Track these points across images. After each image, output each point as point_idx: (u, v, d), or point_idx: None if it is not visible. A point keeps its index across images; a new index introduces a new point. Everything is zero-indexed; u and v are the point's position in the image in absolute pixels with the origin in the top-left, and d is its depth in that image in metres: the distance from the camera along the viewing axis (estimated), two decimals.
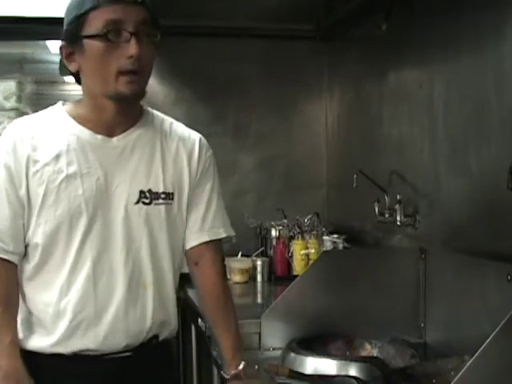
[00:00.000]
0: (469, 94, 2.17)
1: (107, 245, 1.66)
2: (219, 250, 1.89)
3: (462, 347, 1.86)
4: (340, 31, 3.39)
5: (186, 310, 2.94)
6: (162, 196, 1.73)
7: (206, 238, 1.83)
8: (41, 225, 1.64)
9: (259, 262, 3.12)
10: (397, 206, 2.53)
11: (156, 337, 1.76)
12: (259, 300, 3.00)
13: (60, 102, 1.76)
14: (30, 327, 1.69)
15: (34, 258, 1.67)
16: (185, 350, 3.19)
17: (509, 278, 1.78)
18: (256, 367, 1.98)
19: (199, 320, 2.42)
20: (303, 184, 3.61)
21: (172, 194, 1.75)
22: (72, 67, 1.67)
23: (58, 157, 1.65)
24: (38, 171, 1.64)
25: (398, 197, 2.53)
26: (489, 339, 1.42)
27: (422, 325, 2.24)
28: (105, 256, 1.66)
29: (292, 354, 1.91)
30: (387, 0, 2.57)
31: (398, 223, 2.53)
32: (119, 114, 1.68)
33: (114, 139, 1.70)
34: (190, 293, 2.85)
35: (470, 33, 2.14)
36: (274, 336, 2.15)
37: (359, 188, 2.82)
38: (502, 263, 1.85)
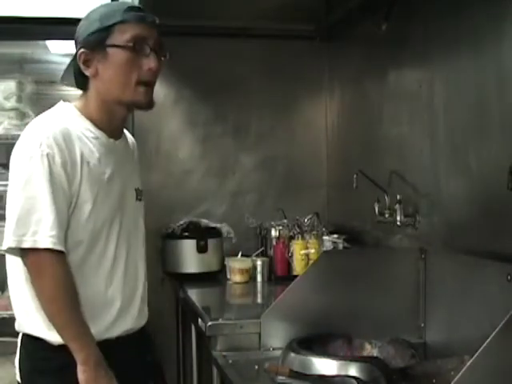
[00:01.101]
0: (469, 93, 2.17)
1: (131, 238, 1.89)
2: None
3: (462, 347, 1.86)
4: (340, 31, 3.39)
5: (186, 310, 2.95)
6: (141, 193, 1.98)
7: None
8: (87, 223, 1.78)
9: (259, 262, 3.12)
10: (397, 206, 2.53)
11: None
12: (259, 300, 3.00)
13: (66, 103, 1.88)
14: None
15: (77, 254, 1.77)
16: (185, 350, 3.19)
17: (509, 278, 1.78)
18: (256, 367, 1.99)
19: (199, 320, 2.42)
20: (303, 184, 3.61)
21: (142, 191, 2.00)
22: (89, 72, 1.83)
23: (99, 160, 1.81)
24: (90, 171, 1.78)
25: (398, 197, 2.53)
26: (489, 339, 1.42)
27: (422, 325, 2.24)
28: (132, 248, 1.89)
29: (292, 354, 1.91)
30: (387, 0, 2.57)
31: (398, 223, 2.53)
32: (124, 119, 1.91)
33: (117, 142, 1.91)
34: (190, 293, 2.85)
35: (470, 33, 2.14)
36: (274, 336, 2.15)
37: (359, 188, 2.82)
38: (502, 263, 1.85)
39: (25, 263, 1.73)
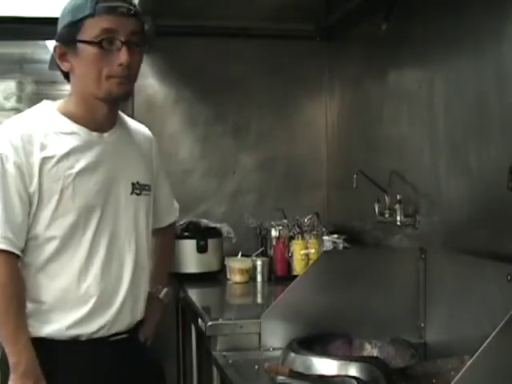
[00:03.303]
0: (469, 93, 2.17)
1: (115, 233, 1.84)
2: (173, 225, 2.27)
3: (462, 347, 1.86)
4: (340, 31, 3.39)
5: (186, 310, 2.95)
6: (146, 188, 1.94)
7: (171, 220, 2.21)
8: (58, 218, 1.75)
9: (259, 262, 3.12)
10: (397, 206, 2.53)
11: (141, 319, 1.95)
12: (259, 300, 3.00)
13: (45, 101, 1.88)
14: (40, 317, 1.78)
15: (49, 249, 1.77)
16: (185, 350, 3.19)
17: (509, 278, 1.78)
18: (256, 367, 1.99)
19: (199, 320, 2.42)
20: (303, 184, 3.61)
21: (150, 185, 1.97)
22: (64, 67, 1.81)
23: (68, 154, 1.77)
24: (52, 168, 1.75)
25: (398, 197, 2.53)
26: (489, 339, 1.42)
27: (422, 325, 2.24)
28: (114, 243, 1.84)
29: (292, 354, 1.91)
30: (387, 0, 2.57)
31: (398, 223, 2.53)
32: (108, 112, 1.85)
33: (106, 135, 1.86)
34: (190, 293, 2.85)
35: (469, 33, 2.13)
36: (274, 336, 2.15)
37: (359, 188, 2.82)
38: (502, 263, 1.85)
39: None
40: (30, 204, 1.74)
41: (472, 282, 1.97)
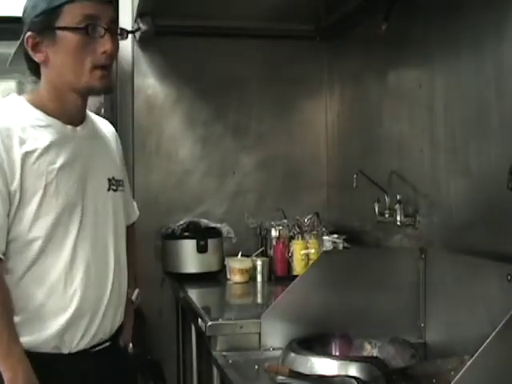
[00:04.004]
0: (469, 93, 2.17)
1: (97, 232, 1.74)
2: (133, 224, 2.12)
3: (462, 347, 1.86)
4: (340, 31, 3.38)
5: (186, 310, 2.95)
6: (120, 183, 1.86)
7: (134, 219, 2.09)
8: (41, 217, 1.64)
9: (259, 262, 3.12)
10: (397, 206, 2.53)
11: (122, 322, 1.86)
12: (259, 300, 3.00)
13: (13, 94, 1.78)
14: (23, 327, 1.65)
15: (32, 252, 1.65)
16: (185, 350, 3.19)
17: (509, 277, 1.78)
18: (256, 367, 1.99)
19: (199, 320, 2.42)
20: (303, 184, 3.61)
21: (123, 181, 1.89)
22: (38, 58, 1.71)
23: (48, 148, 1.67)
24: (34, 163, 1.64)
25: (398, 197, 2.53)
26: (489, 339, 1.42)
27: (422, 325, 2.24)
28: (97, 243, 1.74)
29: (292, 354, 1.91)
30: (387, 0, 2.57)
31: (398, 223, 2.53)
32: (81, 105, 1.76)
33: (79, 129, 1.77)
34: (190, 293, 2.85)
35: (469, 33, 2.13)
36: (274, 336, 2.15)
37: (359, 188, 2.82)
38: (502, 263, 1.85)
39: None
40: (10, 203, 1.61)
41: (472, 281, 1.97)
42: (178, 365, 3.31)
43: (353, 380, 1.73)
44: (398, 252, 2.46)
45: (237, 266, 3.08)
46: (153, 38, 3.28)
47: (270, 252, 3.22)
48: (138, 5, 3.12)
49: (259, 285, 3.08)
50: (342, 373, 1.77)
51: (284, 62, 3.56)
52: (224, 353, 2.15)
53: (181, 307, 3.20)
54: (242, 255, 3.20)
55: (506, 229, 1.95)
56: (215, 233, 3.24)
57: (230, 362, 2.07)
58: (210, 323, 2.26)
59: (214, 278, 3.15)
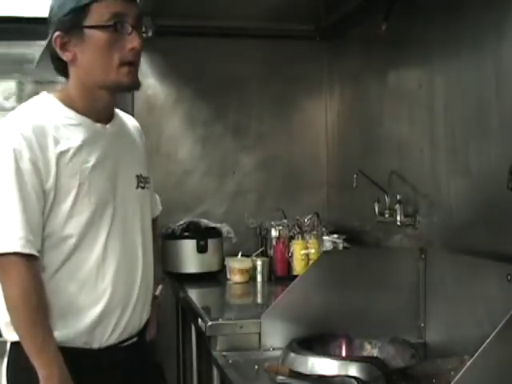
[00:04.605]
0: (469, 93, 2.17)
1: (127, 229, 1.77)
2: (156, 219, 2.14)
3: (462, 347, 1.86)
4: (340, 31, 3.38)
5: (186, 310, 2.95)
6: (147, 180, 1.89)
7: (157, 213, 2.12)
8: (74, 216, 1.67)
9: (259, 262, 3.12)
10: (397, 206, 2.53)
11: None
12: (259, 300, 3.00)
13: (45, 92, 1.78)
14: (54, 323, 1.66)
15: (65, 249, 1.67)
16: (185, 350, 3.19)
17: (509, 278, 1.78)
18: (256, 367, 1.99)
19: (199, 320, 2.42)
20: (303, 184, 3.61)
21: (149, 178, 1.92)
22: (66, 57, 1.72)
23: (80, 148, 1.69)
24: (68, 163, 1.66)
25: (398, 197, 2.53)
26: (489, 339, 1.42)
27: (422, 325, 2.24)
28: (127, 240, 1.76)
29: (292, 354, 1.91)
30: (387, 0, 2.57)
31: (398, 223, 2.53)
32: (109, 103, 1.78)
33: (108, 127, 1.79)
34: (190, 293, 2.85)
35: (470, 33, 2.13)
36: (274, 336, 2.15)
37: (359, 188, 2.82)
38: (502, 263, 1.85)
39: None
40: (45, 201, 1.64)
41: (472, 281, 1.97)
42: (178, 365, 3.31)
43: (353, 380, 1.73)
44: (398, 252, 2.46)
45: (237, 265, 3.08)
46: (153, 37, 3.28)
47: (270, 252, 3.22)
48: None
49: (259, 285, 3.08)
50: (342, 373, 1.77)
51: (284, 62, 3.56)
52: (224, 353, 2.15)
53: (181, 307, 3.20)
54: (242, 255, 3.20)
55: (506, 229, 1.95)
56: (215, 233, 3.24)
57: (230, 362, 2.07)
58: (209, 323, 2.26)
59: (214, 278, 3.15)
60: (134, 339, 1.82)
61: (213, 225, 3.27)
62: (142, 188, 1.85)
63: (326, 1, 3.36)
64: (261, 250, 3.28)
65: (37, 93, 3.46)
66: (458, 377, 1.40)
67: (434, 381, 1.73)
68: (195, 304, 2.62)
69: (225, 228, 3.27)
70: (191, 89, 3.52)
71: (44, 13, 2.99)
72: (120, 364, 1.77)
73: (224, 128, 3.56)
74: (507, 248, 1.91)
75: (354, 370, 1.77)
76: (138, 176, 1.84)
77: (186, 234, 3.18)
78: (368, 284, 2.21)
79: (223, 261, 3.19)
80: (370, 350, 2.05)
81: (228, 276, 3.12)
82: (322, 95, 3.64)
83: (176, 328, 3.31)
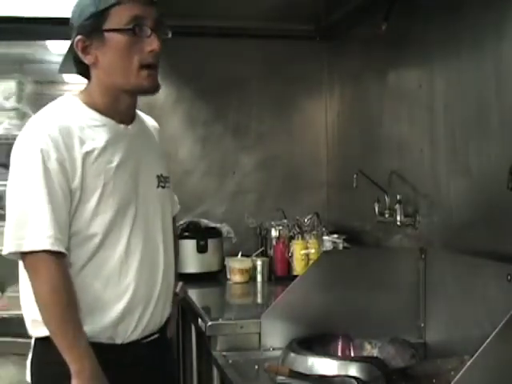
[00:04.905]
0: (469, 93, 2.17)
1: (148, 228, 1.80)
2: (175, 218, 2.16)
3: (462, 347, 1.86)
4: (340, 31, 3.39)
5: (186, 310, 2.94)
6: (167, 180, 1.91)
7: (176, 212, 2.14)
8: (99, 215, 1.71)
9: (259, 262, 3.12)
10: (397, 206, 2.53)
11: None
12: (259, 300, 3.00)
13: (68, 94, 1.82)
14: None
15: (90, 247, 1.71)
16: (185, 350, 3.19)
17: (509, 277, 1.78)
18: (256, 367, 1.99)
19: (199, 320, 2.42)
20: (303, 184, 3.61)
21: (169, 177, 1.93)
22: (88, 60, 1.76)
23: (104, 148, 1.73)
24: (93, 163, 1.70)
25: (398, 197, 2.53)
26: (489, 339, 1.42)
27: (422, 325, 2.24)
28: (148, 239, 1.80)
29: (292, 354, 1.91)
30: (387, 0, 2.57)
31: (398, 223, 2.53)
32: (131, 104, 1.83)
33: (130, 127, 1.83)
34: (190, 293, 2.85)
35: (470, 33, 2.13)
36: (274, 336, 2.15)
37: (359, 188, 2.82)
38: (502, 263, 1.85)
39: (24, 266, 1.68)
40: (71, 200, 1.68)
41: (472, 281, 1.97)
42: (178, 365, 3.31)
43: (353, 380, 1.73)
44: (398, 252, 2.46)
45: (237, 265, 3.08)
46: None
47: (270, 252, 3.22)
48: None
49: (259, 285, 3.08)
50: (342, 373, 1.77)
51: (284, 62, 3.56)
52: (224, 353, 2.15)
53: (181, 307, 3.20)
54: (242, 255, 3.20)
55: (506, 229, 1.95)
56: (215, 233, 3.24)
57: (230, 362, 2.07)
58: (209, 323, 2.26)
59: (214, 278, 3.15)
60: (156, 335, 1.85)
61: (213, 225, 3.27)
62: (163, 187, 1.88)
63: (326, 1, 3.36)
64: (261, 250, 3.28)
65: (37, 93, 3.46)
66: (458, 377, 1.40)
67: (434, 381, 1.73)
68: (195, 304, 2.63)
69: (225, 228, 3.27)
70: (191, 89, 3.52)
71: (44, 13, 3.00)
72: (142, 360, 1.81)
73: (224, 128, 3.56)
74: (507, 248, 1.91)
75: (354, 370, 1.77)
76: (158, 176, 1.88)
77: (186, 233, 3.18)
78: (368, 284, 2.21)
79: (223, 261, 3.19)
80: (370, 350, 2.05)
81: (228, 276, 3.12)
82: (322, 95, 3.64)
83: (176, 328, 3.31)
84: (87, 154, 1.70)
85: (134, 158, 1.80)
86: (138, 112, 1.94)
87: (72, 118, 1.72)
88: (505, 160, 1.91)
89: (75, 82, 3.57)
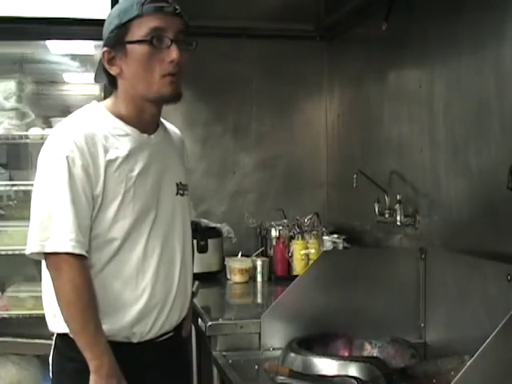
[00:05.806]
0: (469, 93, 2.17)
1: (167, 234, 1.86)
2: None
3: (462, 347, 1.86)
4: (340, 31, 3.39)
5: None
6: (186, 188, 1.96)
7: (192, 218, 2.11)
8: (119, 221, 1.77)
9: (259, 262, 3.12)
10: (397, 206, 2.53)
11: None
12: (259, 300, 3.00)
13: (96, 103, 1.89)
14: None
15: (109, 250, 1.77)
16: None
17: (509, 277, 1.78)
18: (256, 367, 1.99)
19: (199, 320, 2.42)
20: (303, 184, 3.61)
21: (188, 185, 1.98)
22: (113, 71, 1.82)
23: (127, 157, 1.79)
24: (116, 171, 1.76)
25: (398, 197, 2.53)
26: (489, 339, 1.42)
27: (422, 325, 2.24)
28: (166, 244, 1.85)
29: (292, 354, 1.91)
30: (387, 0, 2.57)
31: (398, 223, 2.53)
32: (155, 114, 1.88)
33: (153, 137, 1.88)
34: None
35: (469, 33, 2.14)
36: (274, 336, 2.15)
37: (359, 188, 2.82)
38: (502, 263, 1.85)
39: (46, 266, 1.74)
40: (93, 205, 1.75)
41: (472, 281, 1.97)
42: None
43: (353, 380, 1.73)
44: (398, 252, 2.47)
45: (237, 265, 3.08)
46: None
47: (270, 252, 3.22)
48: None
49: (259, 285, 3.08)
50: (342, 373, 1.77)
51: (284, 62, 3.56)
52: (224, 353, 2.15)
53: None
54: (242, 255, 3.20)
55: (505, 229, 1.95)
56: (215, 233, 3.24)
57: (230, 362, 2.07)
58: (209, 323, 2.26)
59: (214, 278, 3.15)
60: (170, 334, 1.89)
61: (213, 225, 3.27)
62: (182, 195, 1.93)
63: (326, 1, 3.36)
64: (261, 250, 3.28)
65: (37, 93, 3.46)
66: (457, 377, 1.40)
67: (434, 381, 1.73)
68: (195, 304, 2.62)
69: (225, 228, 3.27)
70: (191, 89, 3.51)
71: (44, 13, 3.00)
72: (156, 358, 1.85)
73: (224, 128, 3.56)
74: (507, 248, 1.91)
75: (353, 370, 1.77)
76: (177, 184, 1.93)
77: None
78: (368, 284, 2.22)
79: (223, 261, 3.19)
80: (370, 350, 2.05)
81: (228, 276, 3.12)
82: (322, 95, 3.64)
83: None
84: (110, 162, 1.75)
85: (156, 167, 1.85)
86: (163, 120, 1.99)
87: (97, 127, 1.78)
88: (505, 160, 1.91)
89: (75, 82, 3.60)
